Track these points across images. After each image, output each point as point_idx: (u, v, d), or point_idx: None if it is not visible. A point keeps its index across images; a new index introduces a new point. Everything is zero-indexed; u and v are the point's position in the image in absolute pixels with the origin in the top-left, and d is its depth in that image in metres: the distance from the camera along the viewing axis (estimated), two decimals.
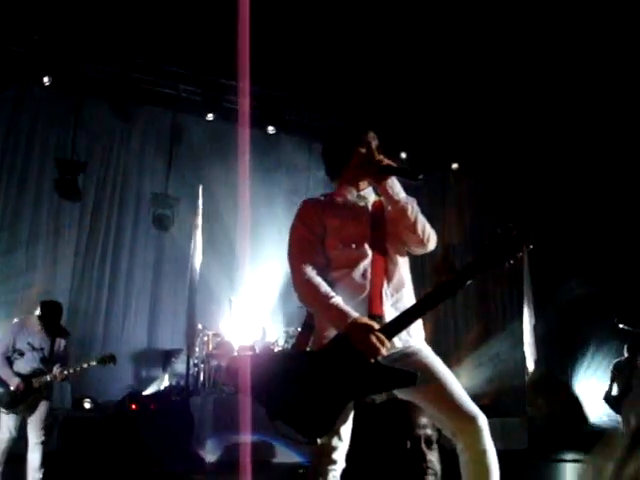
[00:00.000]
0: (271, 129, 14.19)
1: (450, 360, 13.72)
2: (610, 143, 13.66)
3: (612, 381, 9.45)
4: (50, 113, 13.11)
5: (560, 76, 12.49)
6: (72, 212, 13.04)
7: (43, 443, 6.65)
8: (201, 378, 11.73)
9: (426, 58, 12.40)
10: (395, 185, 3.61)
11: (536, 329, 13.95)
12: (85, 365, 6.92)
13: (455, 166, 15.99)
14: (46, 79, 12.42)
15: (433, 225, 3.71)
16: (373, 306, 3.40)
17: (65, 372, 6.73)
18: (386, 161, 3.61)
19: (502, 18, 11.43)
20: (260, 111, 13.56)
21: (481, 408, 3.26)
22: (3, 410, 6.56)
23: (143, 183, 13.83)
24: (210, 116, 13.81)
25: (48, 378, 6.65)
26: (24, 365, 6.61)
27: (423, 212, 3.66)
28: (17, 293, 11.37)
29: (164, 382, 12.46)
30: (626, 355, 9.48)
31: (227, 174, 13.38)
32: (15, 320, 6.90)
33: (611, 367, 9.58)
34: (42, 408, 6.72)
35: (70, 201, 12.78)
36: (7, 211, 12.51)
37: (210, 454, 10.38)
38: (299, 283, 3.49)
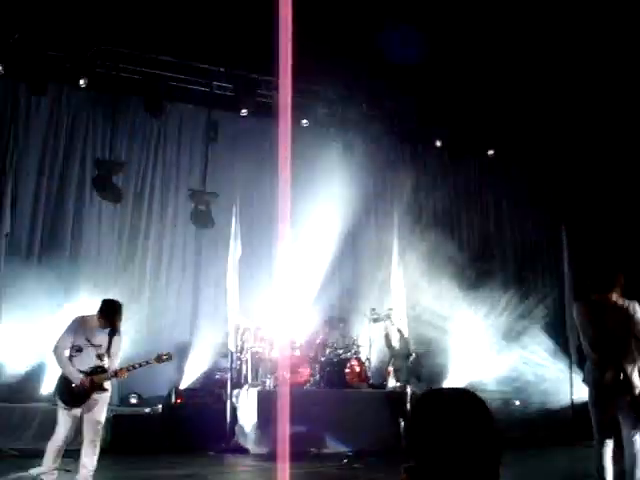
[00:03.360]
0: (305, 122, 14.24)
1: None
2: None
3: None
4: (87, 114, 13.35)
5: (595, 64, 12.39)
6: (113, 211, 13.27)
7: (98, 441, 6.72)
8: (244, 371, 11.86)
9: (463, 45, 12.35)
10: None
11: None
12: (144, 363, 6.98)
13: (491, 152, 15.89)
14: (82, 81, 12.63)
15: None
16: None
17: (126, 370, 6.77)
18: None
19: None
20: (293, 104, 13.60)
21: None
22: (64, 407, 6.59)
23: (181, 180, 14.00)
24: (244, 112, 13.92)
25: (108, 375, 6.75)
26: (82, 362, 6.61)
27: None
28: (61, 293, 11.60)
29: (207, 376, 12.60)
30: None
31: (262, 168, 13.48)
32: (75, 317, 6.94)
33: None
34: (101, 406, 6.74)
35: (110, 201, 12.99)
36: (48, 212, 12.76)
37: (254, 445, 10.52)
38: None
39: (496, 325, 14.74)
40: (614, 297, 6.17)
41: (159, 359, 7.05)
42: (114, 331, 6.78)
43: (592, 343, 6.15)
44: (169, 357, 7.13)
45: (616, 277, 6.29)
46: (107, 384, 6.77)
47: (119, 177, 13.16)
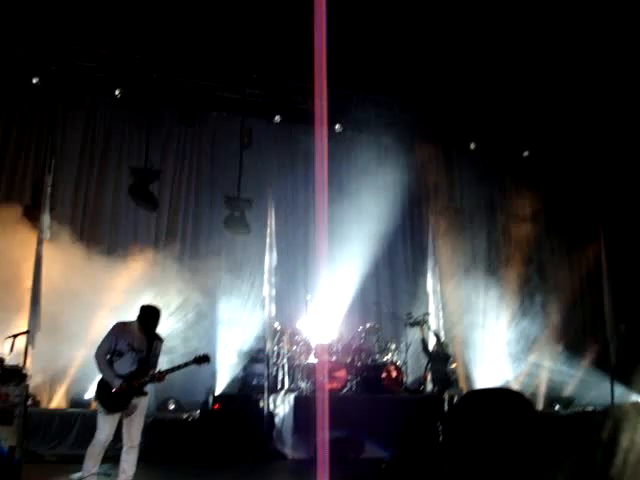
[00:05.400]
0: (338, 127, 14.24)
1: None
2: None
3: None
4: (122, 124, 13.53)
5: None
6: (149, 218, 13.40)
7: (137, 446, 6.75)
8: (280, 376, 11.86)
9: (497, 46, 12.27)
10: None
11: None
12: (183, 365, 6.96)
13: (526, 154, 15.75)
14: (117, 91, 12.82)
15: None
16: None
17: (165, 373, 6.81)
18: None
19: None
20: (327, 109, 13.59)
21: None
22: (104, 412, 6.61)
23: (215, 187, 14.08)
24: (277, 118, 13.97)
25: (147, 379, 6.77)
26: (123, 366, 6.66)
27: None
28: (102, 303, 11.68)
29: (244, 381, 12.61)
30: None
31: (296, 174, 13.51)
32: (116, 322, 7.00)
33: None
34: (140, 410, 6.78)
35: (147, 208, 13.13)
36: (86, 221, 12.94)
37: (292, 451, 10.50)
38: None
39: (529, 330, 14.60)
40: None
41: (197, 360, 7.03)
42: (154, 336, 6.83)
43: None
44: (207, 358, 7.09)
45: None
46: (146, 388, 6.80)
47: (154, 185, 13.30)
